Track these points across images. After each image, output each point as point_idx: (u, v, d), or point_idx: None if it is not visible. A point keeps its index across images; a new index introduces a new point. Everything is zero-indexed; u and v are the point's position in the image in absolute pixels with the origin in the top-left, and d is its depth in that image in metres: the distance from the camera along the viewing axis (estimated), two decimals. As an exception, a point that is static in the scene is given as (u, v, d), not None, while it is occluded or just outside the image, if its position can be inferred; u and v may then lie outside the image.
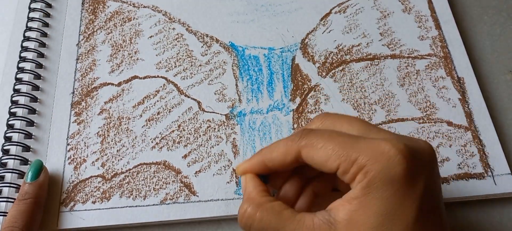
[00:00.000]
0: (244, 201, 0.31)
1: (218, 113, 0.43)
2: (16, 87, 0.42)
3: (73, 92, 0.43)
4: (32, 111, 0.41)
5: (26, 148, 0.40)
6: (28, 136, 0.40)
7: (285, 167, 0.31)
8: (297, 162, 0.31)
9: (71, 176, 0.40)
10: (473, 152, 0.40)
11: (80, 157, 0.40)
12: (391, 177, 0.27)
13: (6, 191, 0.38)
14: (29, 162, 0.39)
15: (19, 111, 0.41)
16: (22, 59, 0.44)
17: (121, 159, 0.40)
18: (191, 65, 0.45)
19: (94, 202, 0.38)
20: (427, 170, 0.28)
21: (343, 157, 0.28)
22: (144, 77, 0.45)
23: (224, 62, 0.45)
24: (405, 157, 0.27)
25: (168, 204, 0.38)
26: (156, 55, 0.46)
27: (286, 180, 0.33)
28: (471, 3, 0.50)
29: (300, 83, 0.44)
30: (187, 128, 0.42)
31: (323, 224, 0.28)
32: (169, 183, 0.39)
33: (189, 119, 0.42)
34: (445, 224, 0.29)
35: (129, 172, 0.40)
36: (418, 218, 0.27)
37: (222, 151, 0.41)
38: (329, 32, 0.47)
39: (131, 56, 0.46)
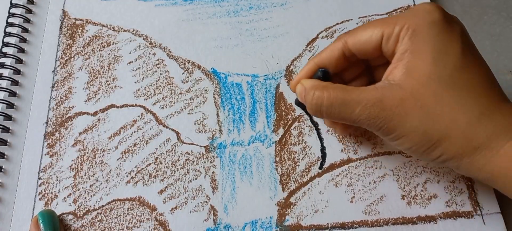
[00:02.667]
0: (308, 91, 0.34)
1: (197, 145, 0.41)
2: (-12, 116, 0.41)
3: (46, 122, 0.42)
4: (3, 142, 0.40)
5: (-4, 182, 0.38)
6: (-2, 169, 0.39)
7: (334, 63, 0.35)
8: (343, 56, 0.35)
9: (42, 212, 0.38)
10: (462, 189, 0.39)
11: (51, 192, 0.39)
12: (433, 21, 0.31)
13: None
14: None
15: (-10, 143, 0.40)
16: (-5, 87, 0.42)
17: (94, 195, 0.39)
18: (171, 93, 0.43)
19: (64, 241, 0.37)
20: (457, 20, 0.32)
21: (385, 25, 0.32)
22: (122, 106, 0.43)
23: (206, 90, 0.44)
24: (440, 8, 0.32)
25: (142, 243, 0.37)
26: (135, 82, 0.44)
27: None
28: (471, 3, 0.49)
29: (284, 113, 0.43)
30: (164, 161, 0.40)
31: (384, 85, 0.31)
32: (143, 221, 0.38)
33: (166, 151, 0.41)
34: (484, 62, 0.32)
35: (102, 209, 0.38)
36: (464, 51, 0.30)
37: (200, 186, 0.39)
38: (315, 58, 0.45)
39: (109, 84, 0.44)
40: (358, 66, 0.38)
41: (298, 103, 0.38)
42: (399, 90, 0.31)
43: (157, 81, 0.44)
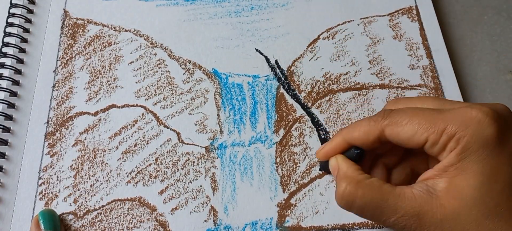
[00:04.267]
0: (341, 179, 0.31)
1: (198, 145, 0.41)
2: (-12, 116, 0.41)
3: (47, 122, 0.42)
4: (4, 142, 0.40)
5: (-4, 182, 0.38)
6: (-2, 169, 0.39)
7: (368, 146, 0.32)
8: (379, 141, 0.31)
9: (42, 212, 0.38)
10: (463, 191, 0.38)
11: (52, 192, 0.39)
12: (485, 139, 0.27)
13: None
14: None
15: (-10, 143, 0.40)
16: (-4, 87, 0.42)
17: (94, 195, 0.39)
18: (172, 93, 0.43)
19: (64, 241, 0.37)
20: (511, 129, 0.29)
21: (431, 129, 0.29)
22: (122, 106, 0.43)
23: (206, 91, 0.44)
24: (495, 119, 0.28)
25: (142, 244, 0.37)
26: (136, 82, 0.44)
27: None
28: (471, 3, 0.49)
29: (284, 114, 0.43)
30: (165, 161, 0.40)
31: (423, 194, 0.28)
32: (143, 221, 0.38)
33: (167, 152, 0.41)
34: None
35: (102, 209, 0.38)
36: None
37: (201, 186, 0.39)
38: (316, 59, 0.46)
39: (110, 84, 0.44)
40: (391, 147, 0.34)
41: (323, 168, 0.36)
42: (440, 208, 0.28)
43: (158, 81, 0.44)
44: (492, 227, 0.27)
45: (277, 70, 0.45)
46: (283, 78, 0.44)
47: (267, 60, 0.45)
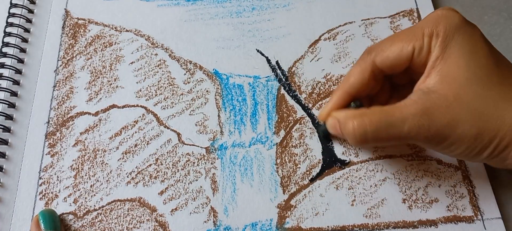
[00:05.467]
0: (345, 123, 0.33)
1: (198, 146, 0.41)
2: (-11, 116, 0.41)
3: (48, 122, 0.42)
4: (4, 142, 0.40)
5: (-4, 182, 0.38)
6: (-1, 168, 0.39)
7: (365, 87, 0.35)
8: (373, 76, 0.35)
9: (42, 212, 0.38)
10: (462, 193, 0.39)
11: (52, 192, 0.39)
12: (456, 25, 0.32)
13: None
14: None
15: (-9, 142, 0.40)
16: (-4, 87, 0.42)
17: (94, 195, 0.39)
18: (173, 94, 0.43)
19: (64, 241, 0.37)
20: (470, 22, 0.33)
21: (413, 38, 0.33)
22: (123, 107, 0.43)
23: (207, 91, 0.44)
24: (454, 10, 0.33)
25: (142, 244, 0.37)
26: (137, 82, 0.44)
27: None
28: (471, 3, 0.49)
29: (285, 115, 0.43)
30: (165, 162, 0.40)
31: (422, 95, 0.32)
32: (143, 222, 0.38)
33: (167, 152, 0.41)
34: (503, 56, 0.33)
35: (102, 209, 0.38)
36: (490, 50, 0.32)
37: (201, 187, 0.39)
38: (317, 60, 0.45)
39: (111, 84, 0.44)
40: (382, 80, 0.37)
41: (325, 135, 0.38)
42: (441, 98, 0.31)
43: (158, 82, 0.44)
44: (490, 95, 0.30)
45: (278, 71, 0.45)
46: (284, 79, 0.44)
47: (268, 61, 0.45)
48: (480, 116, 0.30)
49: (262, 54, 0.45)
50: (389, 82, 0.38)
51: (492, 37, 0.46)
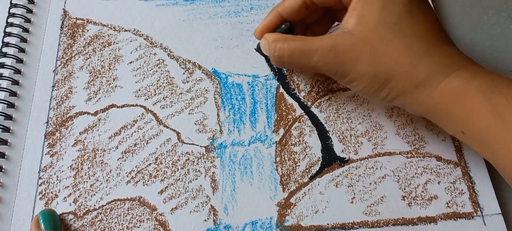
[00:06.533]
0: (271, 43, 0.37)
1: (198, 145, 0.41)
2: (-12, 116, 0.41)
3: (47, 122, 0.42)
4: (4, 142, 0.40)
5: (-4, 182, 0.38)
6: (-2, 169, 0.39)
7: (296, 13, 0.38)
8: (305, 5, 0.38)
9: (42, 212, 0.38)
10: (462, 190, 0.39)
11: (52, 192, 0.39)
12: None
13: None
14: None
15: (-10, 143, 0.40)
16: (-5, 87, 0.42)
17: (94, 195, 0.39)
18: (172, 93, 0.43)
19: (64, 241, 0.37)
20: None
21: None
22: (122, 106, 0.43)
23: (206, 90, 0.44)
24: None
25: (142, 243, 0.37)
26: (136, 82, 0.44)
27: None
28: (471, 3, 0.49)
29: (284, 113, 0.43)
30: (165, 161, 0.40)
31: (338, 33, 0.34)
32: (143, 221, 0.38)
33: (167, 151, 0.41)
34: (430, 9, 0.35)
35: (102, 209, 0.38)
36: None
37: (200, 186, 0.39)
38: (316, 58, 0.45)
39: (109, 83, 0.44)
40: (320, 11, 0.41)
41: (259, 51, 0.42)
42: (350, 37, 0.34)
43: (157, 81, 0.44)
44: (394, 40, 0.33)
45: (277, 69, 0.45)
46: (282, 78, 0.44)
47: (267, 59, 0.45)
48: (379, 57, 0.33)
49: (261, 53, 0.45)
50: (333, 17, 0.41)
51: (492, 37, 0.46)
